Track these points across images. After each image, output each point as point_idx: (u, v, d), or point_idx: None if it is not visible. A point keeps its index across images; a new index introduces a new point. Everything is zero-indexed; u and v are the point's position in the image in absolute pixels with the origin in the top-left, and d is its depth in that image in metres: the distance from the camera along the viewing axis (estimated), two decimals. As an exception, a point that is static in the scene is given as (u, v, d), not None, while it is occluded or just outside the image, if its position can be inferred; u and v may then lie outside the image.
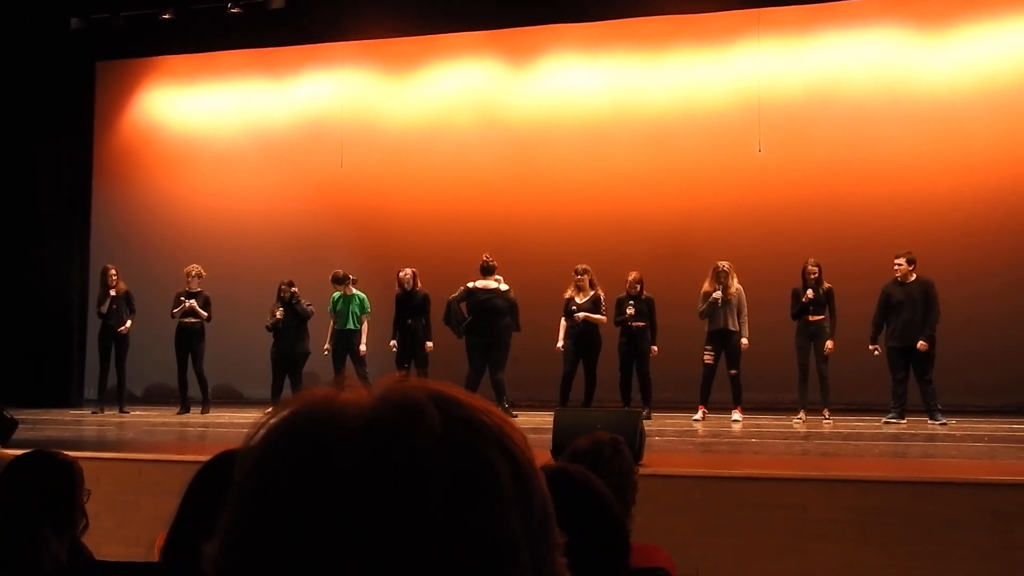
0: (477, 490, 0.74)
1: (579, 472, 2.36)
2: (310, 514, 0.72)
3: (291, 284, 13.17)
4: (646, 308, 12.16)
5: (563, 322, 12.30)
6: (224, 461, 1.88)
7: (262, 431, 0.78)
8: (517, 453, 0.78)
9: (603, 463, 3.29)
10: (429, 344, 12.68)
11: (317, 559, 0.71)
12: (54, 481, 3.27)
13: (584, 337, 12.16)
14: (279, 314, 13.06)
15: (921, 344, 11.26)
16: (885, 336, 11.56)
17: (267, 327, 13.16)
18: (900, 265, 11.46)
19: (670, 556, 3.46)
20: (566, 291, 12.32)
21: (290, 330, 13.09)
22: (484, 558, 0.73)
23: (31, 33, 14.82)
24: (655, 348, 12.25)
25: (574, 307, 12.17)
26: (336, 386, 0.79)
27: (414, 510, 0.72)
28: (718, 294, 11.81)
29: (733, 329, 11.86)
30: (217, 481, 1.82)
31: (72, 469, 3.34)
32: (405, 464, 0.73)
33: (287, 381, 13.10)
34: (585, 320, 12.11)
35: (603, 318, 12.20)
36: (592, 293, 12.24)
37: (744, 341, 11.89)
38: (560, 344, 12.27)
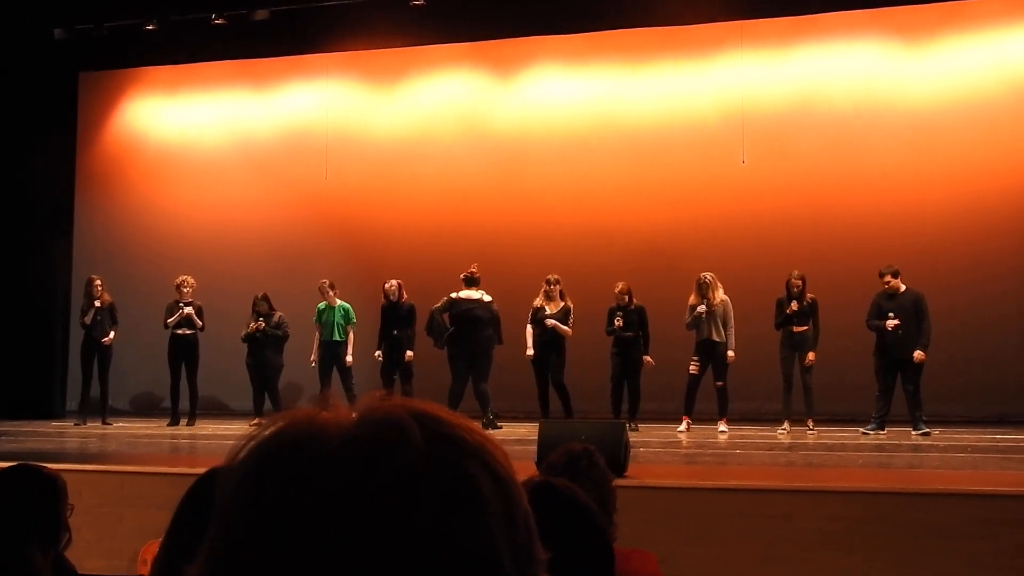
0: (460, 506, 0.74)
1: (562, 485, 2.36)
2: (293, 534, 0.72)
3: (266, 298, 13.10)
4: (636, 318, 12.13)
5: (529, 329, 12.28)
6: (214, 477, 1.87)
7: (244, 452, 0.78)
8: (499, 469, 0.78)
9: (580, 475, 3.29)
10: (409, 353, 12.67)
11: None
12: (38, 496, 3.25)
13: (548, 348, 12.14)
14: (252, 326, 13.03)
15: (918, 355, 11.29)
16: (874, 345, 11.57)
17: (241, 338, 13.13)
18: (890, 282, 11.47)
19: (657, 561, 3.46)
20: (535, 300, 12.30)
21: (263, 343, 13.06)
22: (469, 573, 0.73)
23: (14, 43, 14.77)
24: (648, 358, 12.20)
25: (544, 316, 12.15)
26: (318, 405, 0.79)
27: (397, 527, 0.72)
28: (702, 308, 11.81)
29: (718, 340, 11.85)
30: (208, 497, 1.81)
31: (56, 484, 3.32)
32: (387, 482, 0.73)
33: (266, 394, 13.12)
34: (553, 329, 12.08)
35: (569, 331, 12.17)
36: (563, 304, 12.22)
37: (730, 353, 11.86)
38: (530, 352, 12.25)
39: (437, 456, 0.75)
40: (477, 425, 0.81)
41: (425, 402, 0.79)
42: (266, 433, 0.78)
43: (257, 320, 13.04)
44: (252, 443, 0.78)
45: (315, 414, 0.78)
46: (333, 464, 0.73)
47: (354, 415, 0.77)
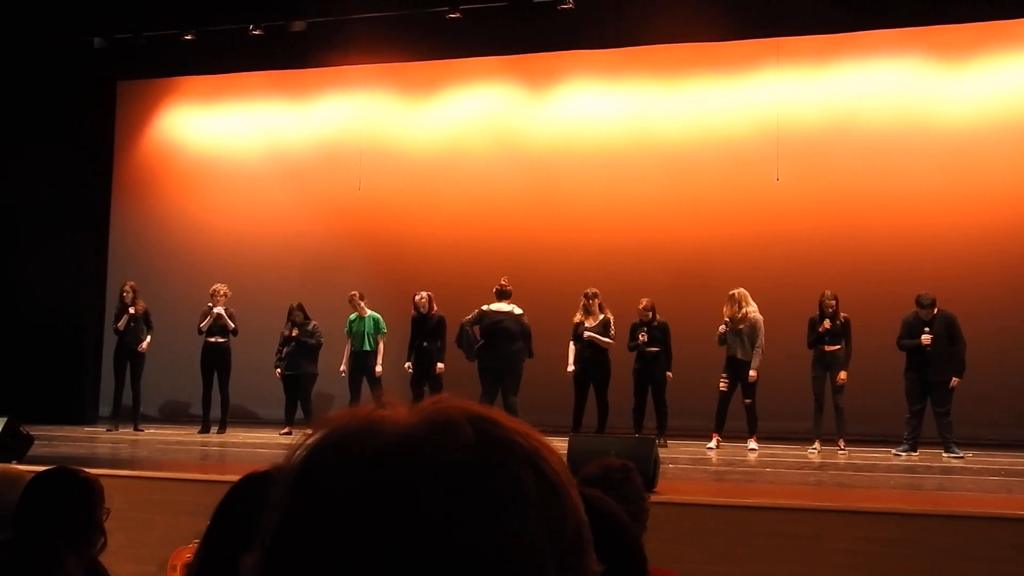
0: (504, 509, 0.75)
1: (596, 497, 2.36)
2: (344, 529, 0.74)
3: (301, 307, 13.27)
4: (659, 334, 12.13)
5: (572, 346, 12.29)
6: (250, 483, 1.90)
7: (302, 449, 0.79)
8: (551, 476, 0.78)
9: (613, 489, 3.28)
10: (440, 365, 12.70)
11: (350, 573, 0.73)
12: (75, 499, 3.27)
13: (591, 363, 12.13)
14: (287, 332, 13.23)
15: (955, 380, 11.20)
16: (904, 366, 11.49)
17: (280, 345, 13.29)
18: (929, 310, 11.37)
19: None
20: (575, 315, 12.30)
21: (297, 352, 13.16)
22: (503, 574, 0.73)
23: (55, 52, 14.94)
24: (670, 374, 12.22)
25: (584, 331, 12.15)
26: (377, 403, 0.80)
27: (436, 525, 0.73)
28: (722, 328, 11.79)
29: (743, 358, 11.80)
30: (244, 502, 1.83)
31: (93, 487, 3.35)
32: (432, 479, 0.74)
33: (299, 403, 13.24)
34: (592, 344, 12.07)
35: (611, 341, 12.16)
36: (602, 317, 12.21)
37: (752, 373, 11.77)
38: (571, 368, 12.25)
39: (486, 458, 0.76)
40: (537, 433, 0.81)
41: (484, 406, 0.80)
42: (326, 431, 0.79)
43: (291, 328, 13.19)
44: (310, 440, 0.79)
45: (373, 412, 0.79)
46: (381, 461, 0.75)
47: (412, 414, 0.79)
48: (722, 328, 11.81)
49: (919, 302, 11.40)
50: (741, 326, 11.77)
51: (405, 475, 0.74)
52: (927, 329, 11.31)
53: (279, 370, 13.31)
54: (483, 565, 0.73)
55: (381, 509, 0.73)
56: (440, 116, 15.38)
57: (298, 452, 0.79)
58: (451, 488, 0.74)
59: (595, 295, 12.24)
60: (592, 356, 12.12)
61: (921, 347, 11.29)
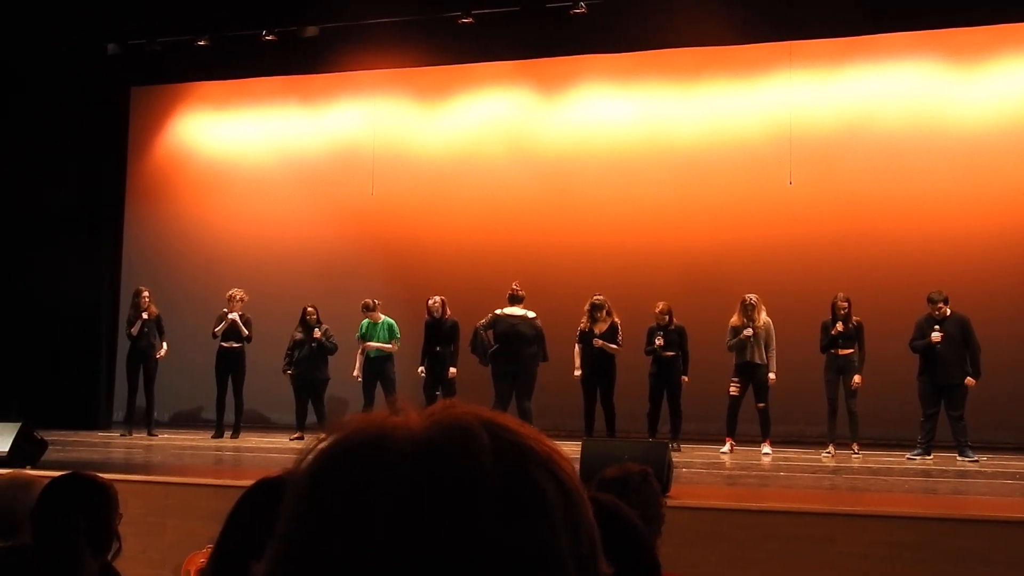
0: (525, 512, 0.75)
1: (609, 501, 2.36)
2: (357, 534, 0.73)
3: (315, 310, 13.33)
4: (676, 338, 12.11)
5: (577, 349, 12.26)
6: (262, 488, 1.90)
7: (313, 454, 0.79)
8: (566, 479, 0.79)
9: (630, 493, 3.29)
10: (453, 370, 12.71)
11: None
12: (90, 504, 3.29)
13: (597, 366, 12.11)
14: (299, 334, 13.25)
15: (970, 381, 11.16)
16: (918, 370, 11.46)
17: (287, 351, 13.33)
18: (941, 308, 11.34)
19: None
20: (581, 321, 12.25)
21: (310, 357, 13.19)
22: None
23: (69, 58, 14.99)
24: (686, 378, 12.20)
25: (593, 338, 12.10)
26: (389, 409, 0.80)
27: (462, 531, 0.73)
28: (748, 332, 11.74)
29: (760, 362, 11.79)
30: (257, 508, 1.83)
31: (108, 492, 3.36)
32: (453, 486, 0.74)
33: (311, 407, 13.25)
34: (601, 348, 12.06)
35: (618, 348, 12.13)
36: (610, 321, 12.17)
37: (772, 376, 11.81)
38: (577, 372, 12.23)
39: (504, 462, 0.76)
40: (547, 438, 0.82)
41: (495, 411, 0.81)
42: (337, 436, 0.79)
43: (307, 331, 13.21)
44: (322, 445, 0.79)
45: (386, 418, 0.79)
46: (400, 466, 0.75)
47: (424, 420, 0.79)
48: (748, 332, 11.76)
49: (930, 299, 11.37)
50: (758, 330, 11.78)
51: (420, 480, 0.74)
52: (937, 327, 11.27)
53: (288, 372, 13.33)
54: (508, 569, 0.73)
55: (394, 515, 0.73)
56: (453, 121, 15.39)
57: (309, 457, 0.79)
58: (473, 494, 0.74)
59: (600, 305, 12.17)
60: (596, 360, 12.10)
61: (932, 347, 11.25)
